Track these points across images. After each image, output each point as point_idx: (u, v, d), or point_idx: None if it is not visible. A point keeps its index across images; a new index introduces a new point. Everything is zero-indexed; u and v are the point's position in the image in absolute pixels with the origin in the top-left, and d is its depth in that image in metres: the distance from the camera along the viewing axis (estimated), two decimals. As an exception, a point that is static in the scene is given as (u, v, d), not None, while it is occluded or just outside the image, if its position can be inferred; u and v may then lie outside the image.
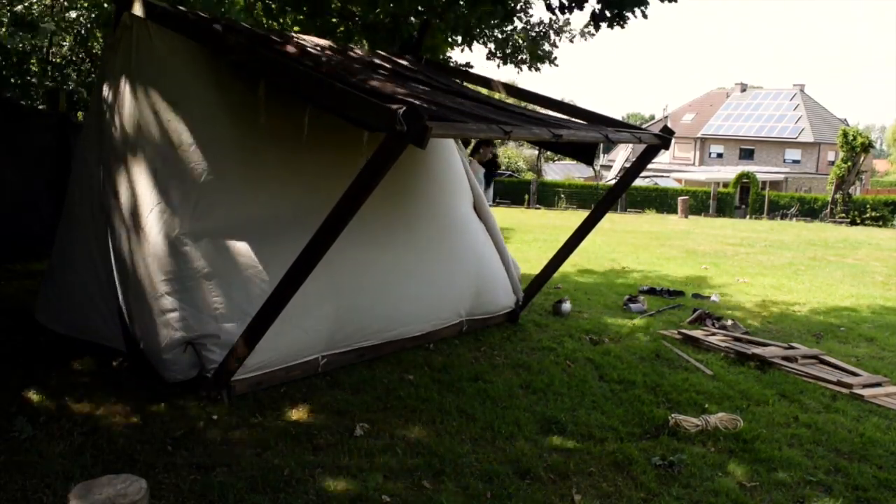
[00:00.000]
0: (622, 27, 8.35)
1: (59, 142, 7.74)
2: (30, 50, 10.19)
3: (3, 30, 9.14)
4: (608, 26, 8.19)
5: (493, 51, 9.37)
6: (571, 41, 9.09)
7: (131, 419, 3.85)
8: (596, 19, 8.17)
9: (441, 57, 9.60)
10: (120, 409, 3.95)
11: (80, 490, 2.66)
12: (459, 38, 9.35)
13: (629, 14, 8.02)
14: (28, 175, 7.35)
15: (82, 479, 3.07)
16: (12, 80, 9.05)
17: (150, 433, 3.71)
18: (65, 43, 12.14)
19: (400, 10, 6.96)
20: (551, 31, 9.34)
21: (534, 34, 9.46)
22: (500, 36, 9.27)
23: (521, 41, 9.31)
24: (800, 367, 5.54)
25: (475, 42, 9.50)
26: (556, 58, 9.47)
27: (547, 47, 9.63)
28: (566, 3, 7.57)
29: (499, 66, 9.90)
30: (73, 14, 10.98)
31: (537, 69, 9.60)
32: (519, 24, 9.47)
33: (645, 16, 8.06)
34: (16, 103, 8.20)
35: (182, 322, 4.28)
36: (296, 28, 9.40)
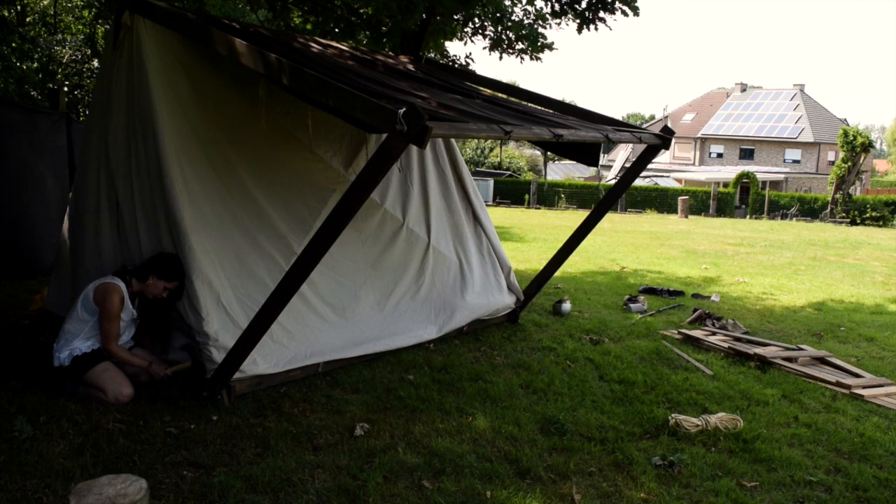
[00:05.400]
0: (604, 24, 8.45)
1: (62, 140, 7.77)
2: (34, 52, 10.22)
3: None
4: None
5: (496, 36, 9.35)
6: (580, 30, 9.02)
7: (131, 419, 3.85)
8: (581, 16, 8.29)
9: (444, 48, 9.59)
10: (120, 409, 3.95)
11: (80, 490, 2.66)
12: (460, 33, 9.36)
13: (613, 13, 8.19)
14: (40, 173, 7.39)
15: (82, 479, 3.07)
16: (10, 82, 9.09)
17: (150, 433, 3.71)
18: (67, 46, 12.16)
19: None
20: (548, 16, 9.32)
21: (530, 21, 9.46)
22: (496, 28, 9.27)
23: (518, 31, 9.30)
24: (800, 367, 5.54)
25: (477, 34, 9.50)
26: (552, 43, 9.48)
27: (547, 32, 9.65)
28: None
29: (501, 57, 9.85)
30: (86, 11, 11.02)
31: (538, 58, 9.57)
32: (519, 12, 9.48)
33: (636, 13, 8.18)
34: (20, 103, 8.21)
35: (181, 322, 4.29)
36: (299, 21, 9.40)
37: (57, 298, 5.15)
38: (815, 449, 4.05)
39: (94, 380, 4.02)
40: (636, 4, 8.18)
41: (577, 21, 8.52)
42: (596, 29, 8.55)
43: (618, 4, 8.20)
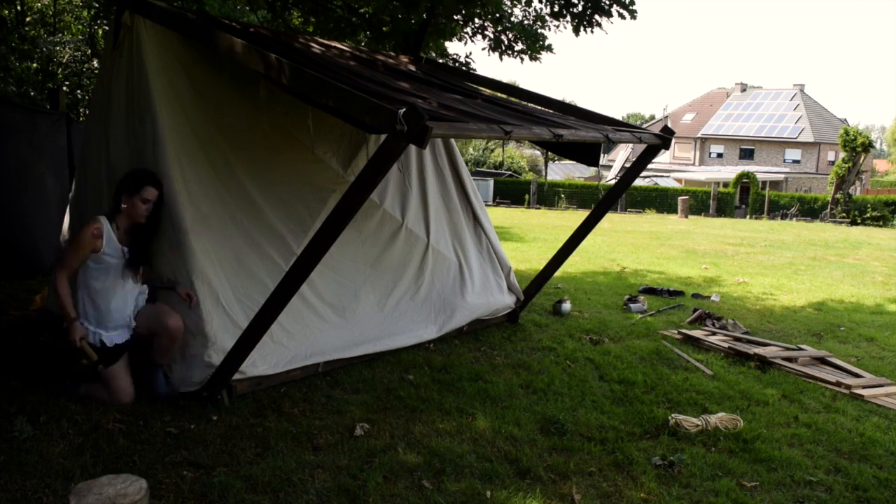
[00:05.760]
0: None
1: (62, 140, 7.77)
2: (33, 51, 10.22)
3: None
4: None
5: (495, 37, 9.33)
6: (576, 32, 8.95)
7: (131, 419, 3.85)
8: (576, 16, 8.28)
9: (444, 49, 9.57)
10: (120, 409, 3.95)
11: (80, 490, 2.67)
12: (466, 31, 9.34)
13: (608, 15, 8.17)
14: (40, 173, 7.39)
15: (82, 479, 3.07)
16: (11, 81, 9.10)
17: (150, 433, 3.71)
18: (66, 43, 12.16)
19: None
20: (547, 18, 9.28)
21: (528, 22, 9.44)
22: (497, 28, 9.25)
23: (517, 33, 9.29)
24: (800, 367, 5.54)
25: (477, 35, 9.50)
26: (550, 45, 9.44)
27: (548, 34, 9.59)
28: None
29: (501, 58, 9.82)
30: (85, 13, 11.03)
31: (536, 58, 9.54)
32: (518, 13, 9.45)
33: (633, 17, 8.16)
34: (20, 103, 8.22)
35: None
36: (302, 23, 9.39)
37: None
38: (815, 449, 4.05)
39: (105, 375, 3.99)
40: (633, 7, 8.16)
41: (574, 23, 8.51)
42: (592, 31, 8.54)
43: (614, 8, 8.18)
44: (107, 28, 10.04)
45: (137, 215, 4.00)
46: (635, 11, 8.17)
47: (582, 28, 8.48)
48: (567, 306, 7.14)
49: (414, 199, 5.91)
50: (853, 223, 27.52)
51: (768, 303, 8.47)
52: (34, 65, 10.71)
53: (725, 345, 5.99)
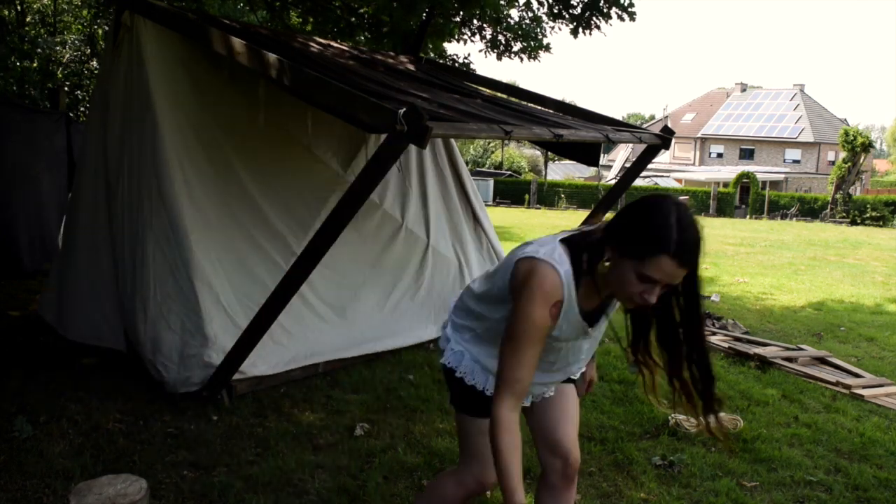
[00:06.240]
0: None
1: (62, 140, 7.77)
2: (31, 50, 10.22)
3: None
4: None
5: (492, 37, 9.29)
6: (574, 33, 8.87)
7: (131, 419, 3.85)
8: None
9: (443, 49, 9.57)
10: (120, 408, 3.95)
11: (80, 490, 2.66)
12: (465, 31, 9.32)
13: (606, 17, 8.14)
14: (36, 173, 7.39)
15: (82, 479, 3.06)
16: (12, 80, 9.10)
17: (150, 433, 3.71)
18: (66, 43, 12.17)
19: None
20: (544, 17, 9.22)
21: (527, 23, 9.42)
22: (495, 28, 9.22)
23: (514, 34, 9.27)
24: (800, 367, 5.54)
25: (475, 36, 9.48)
26: (548, 44, 9.39)
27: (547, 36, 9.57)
28: None
29: (499, 58, 9.75)
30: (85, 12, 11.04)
31: (535, 58, 9.49)
32: (515, 14, 9.43)
33: (633, 18, 8.14)
34: (20, 103, 8.21)
35: (180, 324, 4.27)
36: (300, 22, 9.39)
37: (49, 304, 5.08)
38: (815, 449, 4.05)
39: (467, 437, 2.29)
40: (632, 10, 8.12)
41: (572, 25, 8.48)
42: (590, 33, 8.50)
43: (613, 10, 8.15)
44: (107, 28, 10.04)
45: (627, 294, 1.92)
46: (634, 13, 8.13)
47: (580, 30, 8.44)
48: (567, 306, 7.13)
49: (414, 199, 5.91)
50: (853, 223, 27.52)
51: (768, 303, 8.47)
52: (34, 64, 10.72)
53: (725, 345, 5.99)
